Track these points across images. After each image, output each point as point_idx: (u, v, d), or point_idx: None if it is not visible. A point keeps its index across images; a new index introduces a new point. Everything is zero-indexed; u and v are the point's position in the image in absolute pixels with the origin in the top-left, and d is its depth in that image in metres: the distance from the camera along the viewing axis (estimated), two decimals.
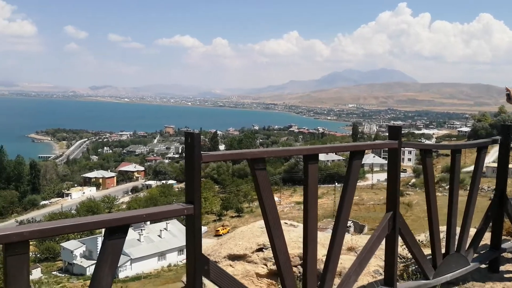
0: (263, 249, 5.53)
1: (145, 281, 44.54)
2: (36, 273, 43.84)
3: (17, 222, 69.64)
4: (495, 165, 5.08)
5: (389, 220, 3.59)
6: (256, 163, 2.63)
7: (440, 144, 5.21)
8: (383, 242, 3.71)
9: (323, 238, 5.27)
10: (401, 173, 3.90)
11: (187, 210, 2.38)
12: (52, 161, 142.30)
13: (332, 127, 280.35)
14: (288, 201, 78.39)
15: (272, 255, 5.63)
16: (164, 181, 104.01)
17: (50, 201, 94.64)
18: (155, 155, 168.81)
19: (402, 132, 3.74)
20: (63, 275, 49.88)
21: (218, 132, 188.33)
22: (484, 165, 4.94)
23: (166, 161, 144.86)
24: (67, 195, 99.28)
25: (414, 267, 5.17)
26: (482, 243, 4.89)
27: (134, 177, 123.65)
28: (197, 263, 2.41)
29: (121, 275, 46.04)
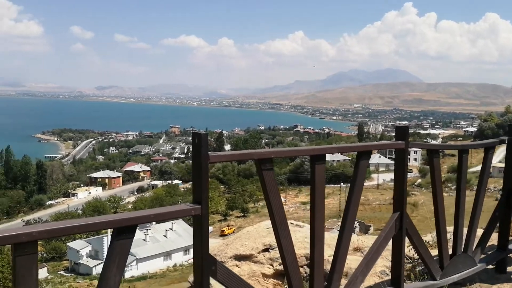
0: (269, 249, 5.53)
1: (150, 281, 44.66)
2: (42, 273, 44.07)
3: (23, 221, 70.09)
4: (502, 165, 5.06)
5: (396, 221, 3.58)
6: (263, 163, 2.63)
7: (447, 144, 5.16)
8: (390, 242, 3.70)
9: (329, 238, 5.26)
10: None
11: (194, 211, 2.39)
12: (58, 161, 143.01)
13: (337, 127, 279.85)
14: (293, 201, 78.33)
15: (278, 255, 5.64)
16: (169, 181, 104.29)
17: (56, 201, 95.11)
18: (160, 155, 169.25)
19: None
20: (69, 274, 50.12)
21: (224, 132, 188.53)
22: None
23: (172, 161, 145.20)
24: (73, 195, 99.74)
25: (420, 268, 5.15)
26: (489, 243, 4.86)
27: (140, 177, 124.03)
28: (205, 263, 2.41)
29: (127, 275, 46.18)
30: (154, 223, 52.16)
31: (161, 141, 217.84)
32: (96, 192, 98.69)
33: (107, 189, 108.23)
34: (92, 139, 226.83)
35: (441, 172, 4.33)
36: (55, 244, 55.29)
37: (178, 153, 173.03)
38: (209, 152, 2.40)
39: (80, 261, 51.47)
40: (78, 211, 73.64)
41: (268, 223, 6.82)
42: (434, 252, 4.36)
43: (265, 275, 5.34)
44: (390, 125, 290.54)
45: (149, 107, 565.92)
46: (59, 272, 50.77)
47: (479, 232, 4.75)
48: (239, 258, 5.48)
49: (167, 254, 53.06)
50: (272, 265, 5.37)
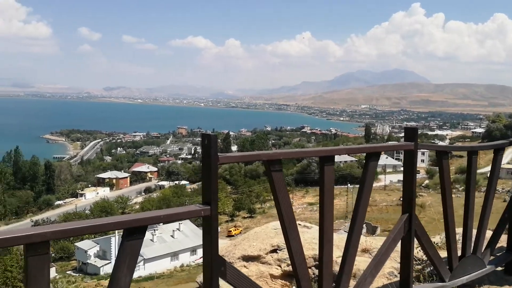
0: (277, 250, 5.53)
1: (158, 281, 44.78)
2: (50, 273, 44.31)
3: (32, 222, 70.57)
4: (510, 166, 5.02)
5: (405, 222, 3.57)
6: (272, 165, 2.64)
7: (456, 145, 5.15)
8: (398, 243, 3.69)
9: (337, 239, 5.25)
10: None
11: (204, 212, 2.40)
12: (66, 161, 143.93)
13: (344, 128, 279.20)
14: (300, 202, 78.17)
15: (286, 256, 5.65)
16: (177, 182, 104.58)
17: (64, 201, 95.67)
18: (168, 155, 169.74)
19: None
20: (77, 274, 50.37)
21: (231, 133, 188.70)
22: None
23: (179, 161, 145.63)
24: (81, 195, 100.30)
25: (429, 269, 5.13)
26: (498, 245, 4.83)
27: (147, 178, 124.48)
28: (214, 264, 2.42)
29: (134, 275, 46.21)
30: (161, 223, 52.33)
31: (168, 142, 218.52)
32: (104, 192, 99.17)
33: (115, 189, 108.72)
34: (100, 139, 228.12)
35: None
36: (63, 244, 55.64)
37: (185, 154, 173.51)
38: (218, 153, 2.41)
39: (88, 261, 51.75)
40: (86, 212, 74.04)
41: (276, 224, 6.83)
42: (443, 253, 4.34)
43: (273, 276, 5.34)
44: (397, 126, 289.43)
45: (156, 108, 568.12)
46: (67, 272, 51.07)
47: (488, 233, 4.73)
48: (247, 259, 5.49)
49: (174, 255, 53.18)
50: (280, 266, 5.37)
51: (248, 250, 5.57)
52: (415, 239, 3.75)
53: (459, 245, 4.33)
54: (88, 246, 51.73)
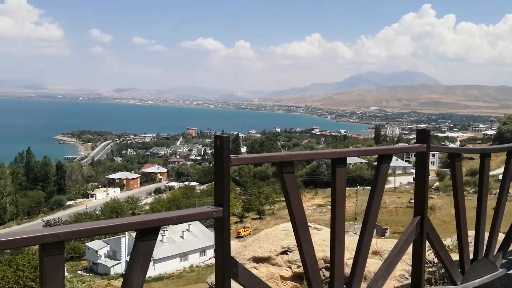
0: (288, 252, 5.53)
1: (167, 281, 44.95)
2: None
3: (43, 222, 71.28)
4: None
5: (416, 225, 3.56)
6: (284, 167, 2.64)
7: (469, 148, 5.09)
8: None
9: (347, 241, 5.23)
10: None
11: (216, 213, 2.40)
12: (77, 162, 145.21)
13: (354, 130, 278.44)
14: (309, 203, 77.97)
15: (296, 257, 5.65)
16: (186, 183, 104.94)
17: (75, 201, 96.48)
18: (177, 157, 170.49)
19: None
20: (88, 274, 50.77)
21: (240, 135, 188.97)
22: None
23: (189, 163, 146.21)
24: (92, 195, 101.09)
25: (440, 272, 5.09)
26: (510, 248, 4.78)
27: (157, 179, 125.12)
28: (226, 265, 2.43)
29: None
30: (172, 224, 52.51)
31: (178, 143, 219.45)
32: (114, 193, 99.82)
33: (125, 190, 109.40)
34: (111, 140, 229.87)
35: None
36: (74, 244, 56.09)
37: (194, 155, 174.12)
38: (230, 155, 2.42)
39: (99, 261, 52.11)
40: (97, 212, 74.57)
41: (286, 225, 6.83)
42: (455, 256, 4.31)
43: (283, 278, 5.34)
44: (407, 128, 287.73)
45: (166, 109, 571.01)
46: (78, 272, 51.50)
47: (501, 236, 4.68)
48: (257, 260, 5.49)
49: (183, 255, 53.33)
50: (290, 268, 5.37)
51: (258, 251, 5.57)
52: (427, 242, 3.72)
53: (471, 248, 4.29)
54: (99, 246, 52.09)
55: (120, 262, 51.51)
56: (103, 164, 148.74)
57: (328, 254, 5.58)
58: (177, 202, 73.13)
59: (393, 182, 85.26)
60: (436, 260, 5.28)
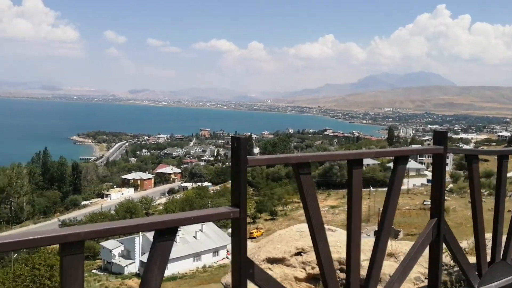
0: (302, 253, 5.53)
1: (180, 281, 45.15)
2: None
3: (59, 221, 72.18)
4: None
5: (433, 227, 3.53)
6: (301, 168, 2.64)
7: (487, 149, 5.03)
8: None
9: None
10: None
11: (233, 214, 2.41)
12: (92, 162, 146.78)
13: (367, 131, 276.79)
14: (322, 205, 77.66)
15: (311, 259, 5.64)
16: (199, 183, 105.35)
17: (90, 201, 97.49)
18: (191, 157, 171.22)
19: None
20: (102, 273, 51.24)
21: (253, 135, 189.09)
22: None
23: (202, 163, 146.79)
24: (107, 195, 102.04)
25: (457, 275, 5.04)
26: None
27: (171, 179, 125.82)
28: (243, 266, 2.44)
29: None
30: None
31: (191, 143, 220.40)
32: (129, 193, 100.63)
33: (139, 190, 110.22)
34: (125, 141, 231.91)
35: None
36: (89, 244, 56.64)
37: (208, 156, 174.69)
38: (248, 156, 2.43)
39: (113, 260, 52.55)
40: (111, 212, 75.23)
41: (300, 226, 6.82)
42: (471, 259, 4.26)
43: (297, 279, 5.34)
44: (421, 129, 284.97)
45: (180, 111, 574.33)
46: (93, 271, 52.02)
47: None
48: (272, 261, 5.50)
49: (196, 255, 53.49)
50: (304, 269, 5.37)
51: (272, 252, 5.58)
52: (443, 244, 3.69)
53: (488, 251, 4.24)
54: (113, 246, 52.52)
55: (134, 262, 51.91)
56: (118, 164, 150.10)
57: (342, 255, 5.57)
58: (190, 203, 73.39)
59: (407, 183, 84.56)
60: (452, 263, 5.24)
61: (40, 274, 29.60)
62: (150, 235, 49.06)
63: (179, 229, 49.99)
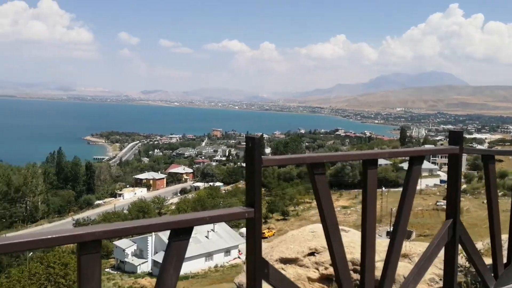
0: (315, 253, 5.51)
1: (192, 280, 45.30)
2: None
3: (73, 220, 72.95)
4: None
5: (449, 228, 3.49)
6: (315, 168, 2.63)
7: (503, 150, 4.96)
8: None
9: None
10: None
11: (248, 214, 2.41)
12: (106, 162, 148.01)
13: (379, 131, 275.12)
14: (334, 205, 77.21)
15: (324, 259, 5.62)
16: (211, 183, 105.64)
17: (104, 201, 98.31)
18: (203, 157, 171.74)
19: None
20: (115, 272, 51.64)
21: (264, 136, 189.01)
22: None
23: (214, 163, 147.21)
24: (120, 195, 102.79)
25: (472, 276, 4.97)
26: None
27: (183, 179, 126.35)
28: (257, 266, 2.43)
29: None
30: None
31: (203, 144, 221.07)
32: (141, 193, 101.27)
33: (152, 190, 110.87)
34: (138, 141, 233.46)
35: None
36: (102, 243, 57.06)
37: (219, 156, 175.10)
38: (262, 156, 2.42)
39: (126, 259, 52.94)
40: (124, 211, 75.77)
41: (313, 227, 6.80)
42: (487, 260, 4.21)
43: (310, 279, 5.32)
44: (433, 129, 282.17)
45: (192, 111, 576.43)
46: (106, 270, 52.47)
47: None
48: (285, 261, 5.49)
49: (208, 255, 53.62)
50: (317, 269, 5.35)
51: (285, 252, 5.57)
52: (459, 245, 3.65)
53: (504, 252, 4.19)
54: (126, 245, 52.89)
55: (147, 261, 52.24)
56: (130, 164, 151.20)
57: (355, 256, 5.54)
58: (202, 202, 73.61)
59: (420, 184, 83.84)
60: (467, 264, 5.18)
61: (54, 272, 29.94)
62: (162, 235, 49.35)
63: None
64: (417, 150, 3.28)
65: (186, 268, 50.14)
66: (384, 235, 44.34)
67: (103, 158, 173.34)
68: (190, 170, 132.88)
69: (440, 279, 5.34)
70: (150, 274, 49.15)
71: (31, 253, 43.99)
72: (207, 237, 55.37)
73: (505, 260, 4.16)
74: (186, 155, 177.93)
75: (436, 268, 5.40)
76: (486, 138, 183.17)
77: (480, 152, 4.12)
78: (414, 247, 6.15)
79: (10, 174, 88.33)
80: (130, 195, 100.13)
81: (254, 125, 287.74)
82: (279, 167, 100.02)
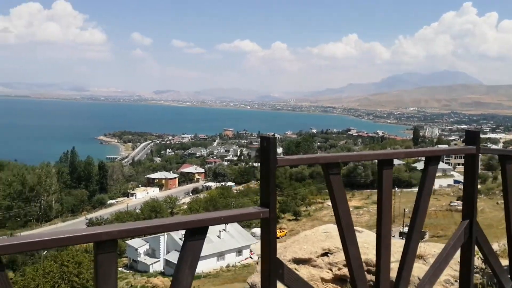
0: (328, 254, 5.48)
1: (204, 280, 45.42)
2: None
3: (86, 219, 73.67)
4: None
5: (465, 229, 3.44)
6: (330, 168, 2.60)
7: None
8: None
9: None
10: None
11: (262, 214, 2.40)
12: (118, 162, 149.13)
13: (391, 131, 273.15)
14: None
15: (337, 260, 5.59)
16: (223, 183, 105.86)
17: (116, 200, 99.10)
18: (215, 157, 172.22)
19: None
20: (128, 271, 52.03)
21: (276, 135, 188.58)
22: None
23: (225, 163, 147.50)
24: (132, 195, 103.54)
25: (488, 278, 4.91)
26: None
27: (195, 179, 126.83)
28: (272, 266, 2.42)
29: None
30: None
31: (215, 143, 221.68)
32: (154, 192, 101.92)
33: (164, 189, 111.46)
34: (150, 141, 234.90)
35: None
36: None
37: (231, 156, 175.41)
38: (277, 156, 2.41)
39: (138, 258, 53.31)
40: (137, 211, 76.30)
41: (326, 227, 6.77)
42: (503, 262, 4.15)
43: (324, 280, 5.29)
44: (447, 129, 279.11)
45: (204, 111, 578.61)
46: (119, 269, 52.86)
47: None
48: (298, 261, 5.47)
49: (220, 255, 53.74)
50: (331, 270, 5.32)
51: (298, 252, 5.55)
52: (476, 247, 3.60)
53: None
54: (139, 244, 53.26)
55: (159, 260, 52.53)
56: (143, 164, 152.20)
57: (369, 256, 5.50)
58: (214, 202, 73.81)
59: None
60: (483, 266, 5.11)
61: (68, 271, 30.24)
62: (174, 234, 49.60)
63: None
64: (433, 150, 3.23)
65: (198, 267, 49.35)
66: (397, 236, 43.94)
67: (115, 158, 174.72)
68: (202, 170, 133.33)
69: (456, 281, 5.27)
70: (162, 274, 49.41)
71: (45, 251, 44.52)
72: (219, 236, 55.50)
73: None
74: (198, 155, 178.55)
75: (451, 270, 5.34)
76: (500, 138, 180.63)
77: (497, 152, 4.06)
78: (429, 248, 6.08)
79: (24, 173, 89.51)
80: (142, 195, 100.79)
81: (265, 125, 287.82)
82: (291, 167, 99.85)
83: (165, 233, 49.87)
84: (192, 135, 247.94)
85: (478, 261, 4.51)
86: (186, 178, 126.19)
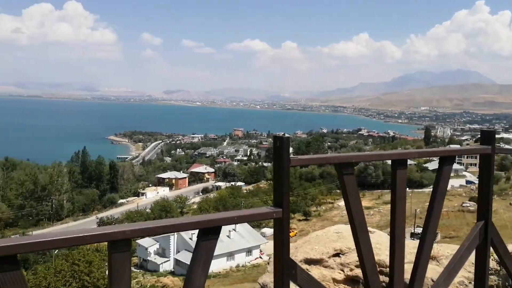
0: (340, 254, 5.45)
1: (214, 280, 45.52)
2: None
3: (97, 219, 74.28)
4: None
5: (480, 230, 3.39)
6: (344, 168, 2.59)
7: None
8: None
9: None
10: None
11: (276, 214, 2.39)
12: (129, 162, 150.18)
13: (403, 131, 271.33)
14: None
15: (349, 260, 5.55)
16: (233, 183, 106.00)
17: (127, 199, 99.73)
18: (224, 157, 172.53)
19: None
20: (138, 270, 52.32)
21: (286, 135, 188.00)
22: None
23: (235, 163, 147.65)
24: (143, 194, 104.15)
25: (503, 279, 4.85)
26: None
27: (205, 178, 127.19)
28: (285, 266, 2.41)
29: None
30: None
31: (225, 143, 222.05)
32: (164, 192, 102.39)
33: (174, 189, 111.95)
34: (160, 141, 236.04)
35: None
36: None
37: (241, 156, 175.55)
38: (290, 156, 2.40)
39: (148, 258, 53.56)
40: (147, 210, 76.72)
41: (337, 227, 6.73)
42: None
43: (335, 280, 5.27)
44: (459, 129, 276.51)
45: (214, 110, 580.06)
46: None
47: None
48: (309, 262, 5.45)
49: (230, 255, 53.77)
50: (343, 270, 5.29)
51: (310, 253, 5.53)
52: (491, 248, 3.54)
53: None
54: (149, 244, 53.51)
55: (169, 260, 52.73)
56: (153, 163, 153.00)
57: (381, 257, 5.46)
58: (224, 202, 73.94)
59: None
60: (498, 267, 5.04)
61: (79, 270, 30.49)
62: (184, 234, 49.75)
63: None
64: (447, 150, 3.19)
65: None
66: (408, 237, 43.66)
67: (126, 158, 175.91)
68: (212, 170, 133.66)
69: (470, 282, 5.21)
70: (172, 273, 49.61)
71: (57, 250, 44.96)
72: (228, 236, 55.53)
73: None
74: (207, 155, 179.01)
75: (465, 271, 5.27)
76: None
77: None
78: (442, 249, 6.02)
79: (36, 173, 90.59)
80: (152, 194, 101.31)
81: (276, 125, 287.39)
82: (301, 167, 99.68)
83: (175, 232, 50.07)
84: (202, 135, 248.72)
85: (492, 263, 4.45)
86: (196, 178, 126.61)
